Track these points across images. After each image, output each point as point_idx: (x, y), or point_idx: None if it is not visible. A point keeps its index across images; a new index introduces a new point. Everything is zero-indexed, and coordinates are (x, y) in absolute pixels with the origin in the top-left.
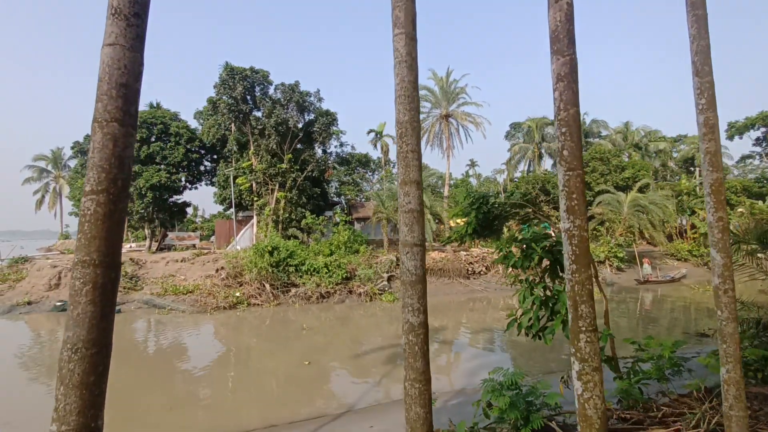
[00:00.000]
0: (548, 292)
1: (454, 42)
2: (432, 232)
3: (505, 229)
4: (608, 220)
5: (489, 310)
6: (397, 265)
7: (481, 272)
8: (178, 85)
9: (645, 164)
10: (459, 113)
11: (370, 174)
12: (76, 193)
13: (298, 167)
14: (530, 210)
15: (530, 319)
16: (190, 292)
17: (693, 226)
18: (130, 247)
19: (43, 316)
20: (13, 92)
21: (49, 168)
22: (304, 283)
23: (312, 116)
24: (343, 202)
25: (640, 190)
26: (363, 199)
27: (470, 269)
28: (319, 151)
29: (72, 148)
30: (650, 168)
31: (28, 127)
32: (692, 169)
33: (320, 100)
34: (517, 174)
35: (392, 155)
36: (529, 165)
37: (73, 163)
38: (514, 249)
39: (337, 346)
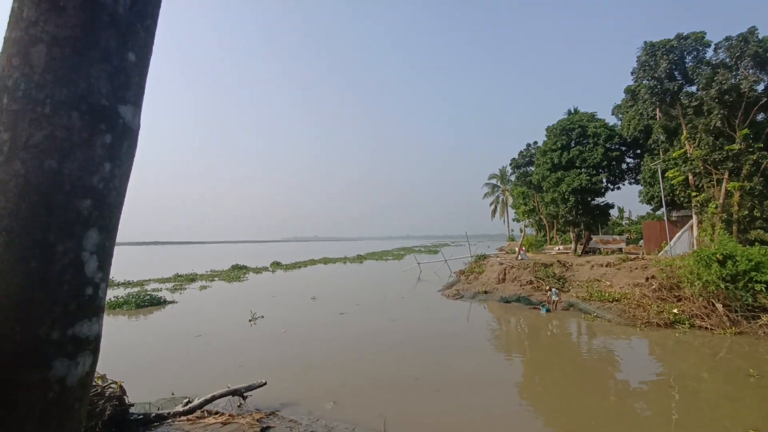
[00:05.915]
0: None
1: None
2: None
3: None
4: None
5: None
6: None
7: None
8: (594, 86)
9: None
10: None
11: None
12: (516, 203)
13: (761, 145)
14: None
15: None
16: (616, 300)
17: None
18: (558, 249)
19: (495, 304)
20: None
21: (498, 183)
22: None
23: None
24: None
25: None
26: None
27: None
28: None
29: (510, 164)
30: None
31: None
32: None
33: None
34: None
35: None
36: None
37: (513, 177)
38: None
39: None
